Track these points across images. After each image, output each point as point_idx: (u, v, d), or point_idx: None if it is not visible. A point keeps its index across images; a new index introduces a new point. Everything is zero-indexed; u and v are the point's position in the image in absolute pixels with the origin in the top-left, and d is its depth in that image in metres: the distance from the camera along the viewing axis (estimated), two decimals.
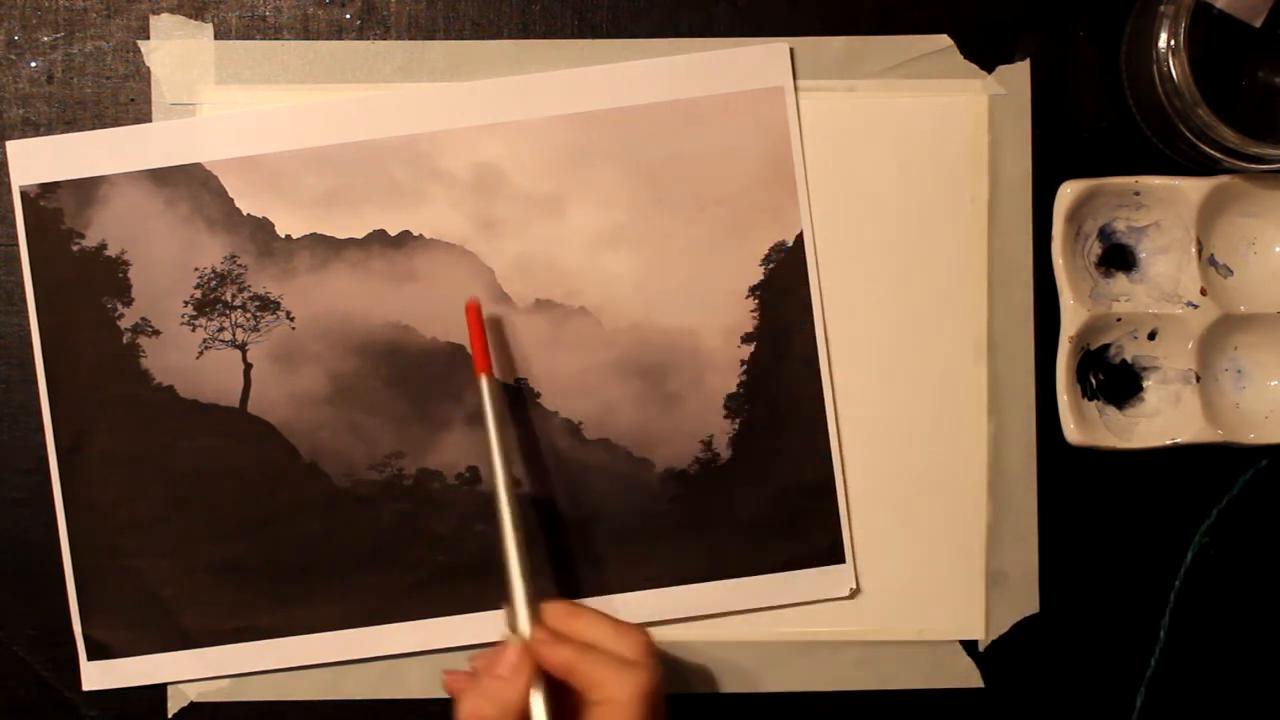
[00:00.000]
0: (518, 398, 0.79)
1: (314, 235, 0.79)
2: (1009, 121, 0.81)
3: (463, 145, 0.79)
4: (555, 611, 0.72)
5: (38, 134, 0.79)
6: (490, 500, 0.71)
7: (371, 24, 0.80)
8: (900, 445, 0.81)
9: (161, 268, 0.78)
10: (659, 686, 0.69)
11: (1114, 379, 0.82)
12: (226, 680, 0.79)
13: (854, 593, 0.80)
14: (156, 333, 0.78)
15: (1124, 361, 0.82)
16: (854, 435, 0.80)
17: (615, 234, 0.79)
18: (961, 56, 0.81)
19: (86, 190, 0.78)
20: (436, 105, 0.79)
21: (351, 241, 0.79)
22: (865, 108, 0.80)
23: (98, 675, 0.79)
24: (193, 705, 0.79)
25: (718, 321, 0.80)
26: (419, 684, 0.80)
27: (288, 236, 0.78)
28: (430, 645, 0.79)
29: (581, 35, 0.80)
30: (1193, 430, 0.80)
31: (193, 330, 0.78)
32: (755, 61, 0.79)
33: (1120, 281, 0.81)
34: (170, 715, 0.79)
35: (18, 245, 0.78)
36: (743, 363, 0.80)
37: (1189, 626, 0.81)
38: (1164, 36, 0.75)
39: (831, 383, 0.80)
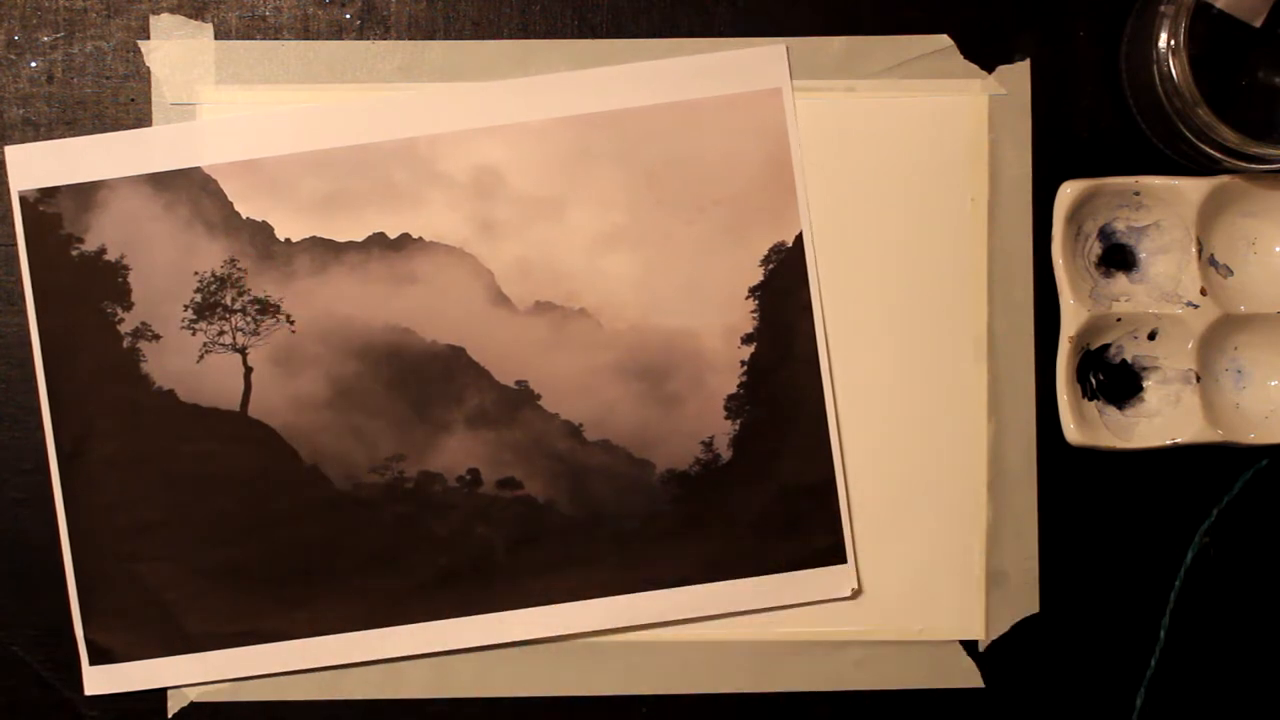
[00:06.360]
0: (518, 399, 0.79)
1: (313, 238, 0.79)
2: (1009, 121, 0.81)
3: (461, 148, 0.79)
4: None
5: (38, 134, 0.79)
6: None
7: (371, 24, 0.80)
8: (900, 445, 0.81)
9: (161, 272, 0.78)
10: None
11: (1114, 379, 0.82)
12: (227, 680, 0.79)
13: (855, 593, 0.80)
14: (157, 337, 0.78)
15: (1124, 361, 0.82)
16: (854, 435, 0.80)
17: (615, 235, 0.79)
18: (961, 56, 0.80)
19: (85, 195, 0.78)
20: (434, 108, 0.79)
21: (351, 244, 0.79)
22: (865, 108, 0.80)
23: (100, 680, 0.79)
24: (193, 705, 0.80)
25: (718, 322, 0.80)
26: (419, 684, 0.80)
27: (287, 240, 0.78)
28: (432, 648, 0.79)
29: (581, 35, 0.80)
30: (1193, 430, 0.80)
31: (193, 334, 0.78)
32: (753, 63, 0.79)
33: (1120, 281, 0.81)
34: (170, 715, 0.79)
35: (16, 245, 0.78)
36: (743, 363, 0.80)
37: (1189, 626, 0.81)
38: (1164, 36, 0.75)
39: (832, 383, 0.80)
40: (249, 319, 0.79)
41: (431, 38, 0.80)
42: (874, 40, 0.80)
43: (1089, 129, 0.81)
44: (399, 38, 0.80)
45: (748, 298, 0.80)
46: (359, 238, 0.79)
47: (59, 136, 0.79)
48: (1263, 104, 0.78)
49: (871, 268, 0.80)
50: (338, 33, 0.80)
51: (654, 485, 0.79)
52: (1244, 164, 0.77)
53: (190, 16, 0.80)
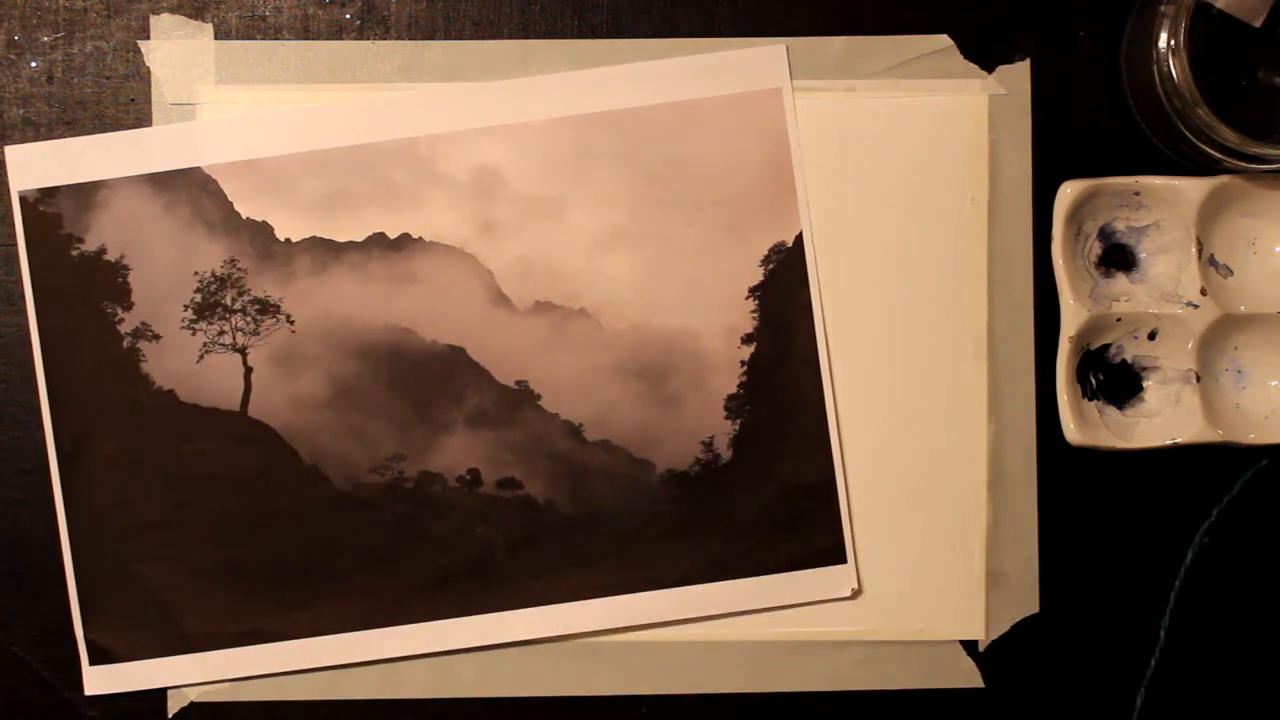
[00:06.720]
0: (518, 399, 0.79)
1: (314, 238, 0.79)
2: (1009, 121, 0.81)
3: (461, 148, 0.79)
4: None
5: (38, 134, 0.79)
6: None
7: (371, 24, 0.80)
8: (900, 445, 0.81)
9: (161, 272, 0.78)
10: None
11: (1114, 379, 0.82)
12: (227, 680, 0.79)
13: (855, 593, 0.80)
14: (157, 337, 0.78)
15: (1124, 361, 0.82)
16: (854, 435, 0.80)
17: (615, 235, 0.79)
18: (961, 56, 0.80)
19: (85, 195, 0.78)
20: (435, 108, 0.79)
21: (351, 244, 0.79)
22: (865, 108, 0.80)
23: (100, 680, 0.79)
24: (193, 705, 0.80)
25: (718, 322, 0.80)
26: (419, 684, 0.80)
27: (287, 240, 0.78)
28: (432, 648, 0.79)
29: (581, 35, 0.80)
30: (1193, 430, 0.80)
31: (193, 334, 0.78)
32: (753, 63, 0.79)
33: (1120, 281, 0.81)
34: (170, 715, 0.79)
35: (16, 245, 0.78)
36: (743, 363, 0.80)
37: (1189, 626, 0.81)
38: (1164, 36, 0.75)
39: (832, 383, 0.80)
40: (249, 319, 0.79)
41: (431, 38, 0.80)
42: (874, 40, 0.80)
43: (1089, 129, 0.81)
44: (399, 38, 0.80)
45: (748, 298, 0.80)
46: (359, 238, 0.79)
47: (59, 136, 0.79)
48: (1263, 104, 0.78)
49: (871, 268, 0.80)
50: (338, 33, 0.80)
51: (654, 485, 0.79)
52: (1244, 164, 0.77)
53: (190, 16, 0.80)
